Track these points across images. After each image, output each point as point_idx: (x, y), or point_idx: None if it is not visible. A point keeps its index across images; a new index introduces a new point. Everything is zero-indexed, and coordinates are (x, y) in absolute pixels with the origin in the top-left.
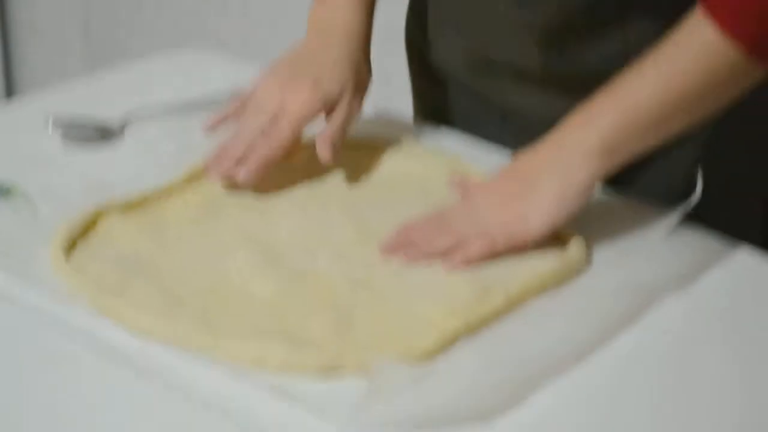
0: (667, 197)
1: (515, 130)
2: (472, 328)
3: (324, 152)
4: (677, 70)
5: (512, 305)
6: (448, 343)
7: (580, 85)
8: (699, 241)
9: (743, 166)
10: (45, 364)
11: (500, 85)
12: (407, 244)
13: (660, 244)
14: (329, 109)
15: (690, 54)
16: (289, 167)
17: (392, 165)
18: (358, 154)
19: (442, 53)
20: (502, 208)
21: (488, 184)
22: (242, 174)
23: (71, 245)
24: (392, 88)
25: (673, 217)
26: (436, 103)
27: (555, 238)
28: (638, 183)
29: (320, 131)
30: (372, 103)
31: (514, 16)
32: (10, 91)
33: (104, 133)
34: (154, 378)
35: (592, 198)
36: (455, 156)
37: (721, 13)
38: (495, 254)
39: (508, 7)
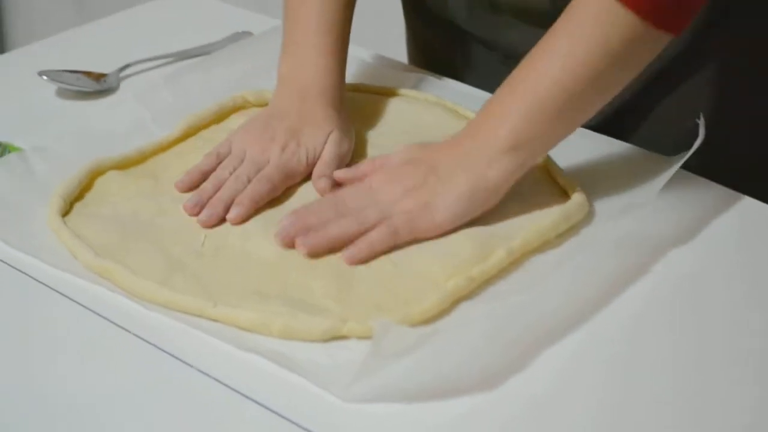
0: (666, 148)
1: None
2: (475, 286)
3: (321, 184)
4: (574, 45)
5: (515, 261)
6: (451, 303)
7: None
8: (702, 191)
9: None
10: (43, 327)
11: (503, 26)
12: (304, 231)
13: (662, 194)
14: (313, 161)
15: (587, 26)
16: None
17: (391, 112)
18: (355, 99)
19: None
20: (405, 195)
21: (390, 170)
22: (235, 215)
23: (68, 205)
24: (386, 33)
25: (674, 165)
26: (432, 47)
27: (556, 188)
28: (637, 134)
29: (315, 170)
30: (366, 48)
31: None
32: (1, 45)
33: (100, 86)
34: (154, 343)
35: (592, 147)
36: (455, 105)
37: None
38: (397, 243)
39: None
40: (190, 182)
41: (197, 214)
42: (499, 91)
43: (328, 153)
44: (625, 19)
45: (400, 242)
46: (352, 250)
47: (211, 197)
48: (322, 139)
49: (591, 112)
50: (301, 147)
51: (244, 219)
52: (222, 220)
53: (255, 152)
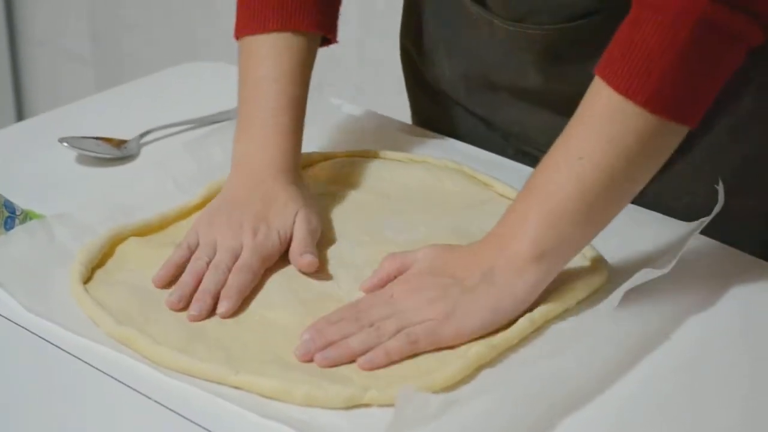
0: (672, 211)
1: (518, 150)
2: (497, 354)
3: (307, 260)
4: (585, 148)
5: (536, 329)
6: (473, 371)
7: (578, 103)
8: (720, 256)
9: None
10: (64, 394)
11: (500, 105)
12: (324, 345)
13: (681, 260)
14: (286, 241)
15: (592, 127)
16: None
17: (410, 179)
18: (374, 165)
19: (438, 71)
20: (428, 306)
21: (411, 279)
22: (225, 309)
23: (89, 272)
24: (390, 98)
25: (694, 230)
26: (434, 118)
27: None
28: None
29: (291, 251)
30: (373, 110)
31: (511, 37)
32: (20, 112)
33: (120, 152)
34: (175, 410)
35: None
36: (463, 167)
37: (615, 73)
38: (416, 352)
39: (505, 29)
40: (167, 276)
41: (183, 309)
42: (518, 198)
43: (301, 232)
44: (637, 116)
45: (419, 351)
46: (369, 356)
47: (192, 290)
48: (291, 219)
49: (616, 210)
50: (271, 230)
51: (233, 313)
52: (211, 313)
53: (227, 240)
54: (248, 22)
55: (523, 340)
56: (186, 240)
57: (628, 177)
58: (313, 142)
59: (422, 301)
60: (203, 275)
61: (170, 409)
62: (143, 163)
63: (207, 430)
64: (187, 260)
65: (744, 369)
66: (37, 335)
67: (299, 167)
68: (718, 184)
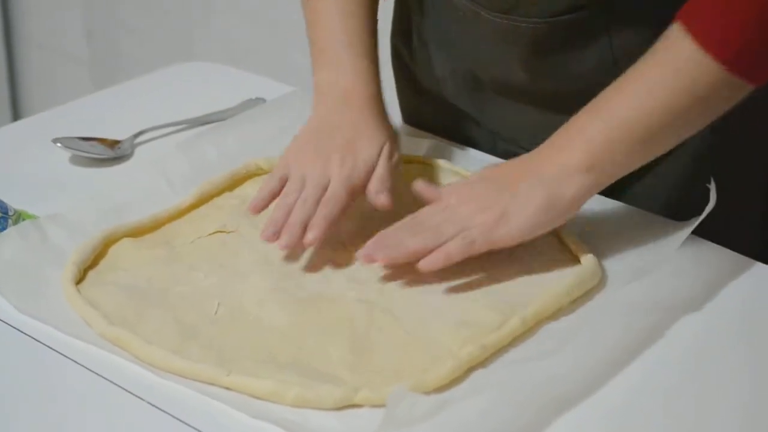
0: (666, 208)
1: (506, 146)
2: (489, 354)
3: (382, 199)
4: (658, 87)
5: (528, 329)
6: (464, 371)
7: (565, 100)
8: (713, 256)
9: (743, 177)
10: (56, 395)
11: (487, 103)
12: (383, 247)
13: (674, 259)
14: (371, 171)
15: (670, 70)
16: None
17: (405, 179)
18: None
19: (427, 70)
20: (482, 211)
21: (463, 188)
22: (312, 237)
23: (82, 273)
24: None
25: (686, 229)
26: (423, 118)
27: (566, 254)
28: (639, 194)
29: (369, 187)
30: None
31: (500, 29)
32: (16, 112)
33: (114, 152)
34: (167, 411)
35: (603, 210)
36: (455, 166)
37: (700, 25)
38: (473, 254)
39: (492, 21)
40: (263, 202)
41: (276, 240)
42: (579, 115)
43: (382, 168)
44: (713, 70)
45: (475, 253)
46: (428, 258)
47: (283, 224)
48: (377, 150)
49: (664, 149)
50: (358, 160)
51: (320, 241)
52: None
53: (315, 173)
54: None
55: (516, 341)
56: (277, 172)
57: (689, 121)
58: None
59: (476, 208)
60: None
61: (162, 410)
62: (137, 164)
63: (198, 430)
64: (280, 190)
65: (739, 369)
66: (29, 336)
67: (381, 96)
68: (710, 183)
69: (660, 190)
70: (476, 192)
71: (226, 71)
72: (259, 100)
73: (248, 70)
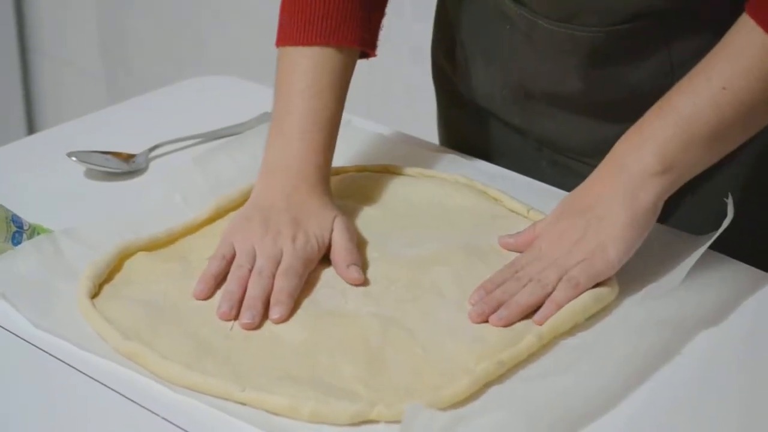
0: (696, 229)
1: (552, 159)
2: (505, 371)
3: (353, 274)
4: (730, 81)
5: (544, 345)
6: (480, 387)
7: (618, 110)
8: (730, 271)
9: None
10: (71, 409)
11: (536, 114)
12: (496, 306)
13: (691, 275)
14: (324, 247)
15: (741, 63)
16: None
17: (420, 194)
18: (384, 180)
19: (473, 83)
20: (575, 247)
21: (550, 227)
22: (279, 315)
23: (97, 288)
24: (417, 112)
25: (703, 244)
26: (466, 132)
27: None
28: (669, 215)
29: (336, 261)
30: (396, 126)
31: (555, 38)
32: (31, 125)
33: (129, 166)
34: (182, 426)
35: None
36: (474, 182)
37: (766, 15)
38: (580, 294)
39: (548, 31)
40: (207, 289)
41: (234, 318)
42: (647, 116)
43: (343, 240)
44: None
45: (582, 292)
46: (543, 313)
47: (240, 298)
48: (328, 226)
49: (736, 145)
50: (310, 236)
51: (287, 317)
52: (263, 320)
53: (266, 247)
54: (291, 33)
55: (532, 357)
56: (220, 251)
57: (761, 114)
58: None
59: (569, 245)
60: (247, 282)
61: (177, 425)
62: (152, 178)
63: None
64: (225, 271)
65: (755, 385)
66: (43, 350)
67: (329, 183)
68: (728, 198)
69: (682, 205)
70: (561, 229)
71: (239, 84)
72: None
73: (260, 82)
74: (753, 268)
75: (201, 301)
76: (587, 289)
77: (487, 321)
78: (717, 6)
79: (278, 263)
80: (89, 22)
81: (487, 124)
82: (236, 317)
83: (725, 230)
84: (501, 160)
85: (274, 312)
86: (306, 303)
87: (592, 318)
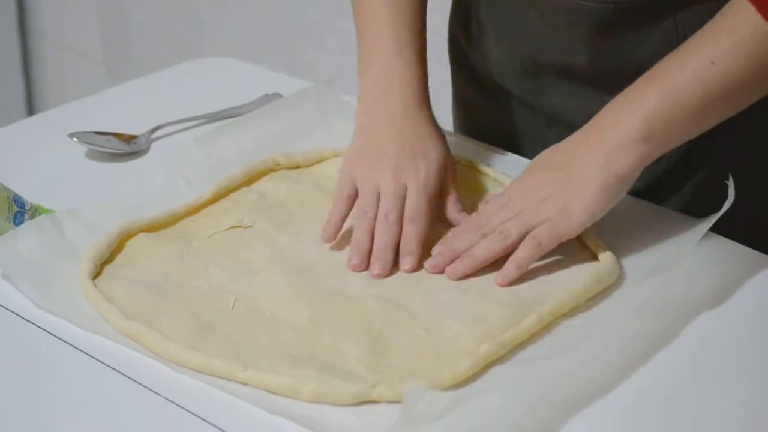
0: (694, 211)
1: (560, 135)
2: (506, 351)
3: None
4: (719, 57)
5: (545, 326)
6: (482, 368)
7: (626, 83)
8: (731, 253)
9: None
10: (73, 389)
11: (545, 86)
12: (452, 257)
13: (692, 256)
14: (442, 174)
15: (732, 41)
16: (318, 186)
17: None
18: None
19: (485, 55)
20: (542, 205)
21: (524, 179)
22: (410, 265)
23: (99, 268)
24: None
25: (704, 225)
26: (478, 108)
27: (585, 251)
28: (666, 198)
29: (449, 205)
30: None
31: (565, 10)
32: (31, 108)
33: (130, 147)
34: (184, 406)
35: (620, 206)
36: (476, 163)
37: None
38: (543, 254)
39: (557, 1)
40: (335, 232)
41: (366, 269)
42: (635, 84)
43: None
44: None
45: (545, 252)
46: (504, 273)
47: (369, 248)
48: (444, 148)
49: (720, 120)
50: (430, 162)
51: (419, 267)
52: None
53: (389, 183)
54: None
55: (533, 337)
56: (343, 191)
57: (746, 92)
58: (323, 137)
59: (536, 201)
60: (374, 229)
61: (178, 405)
62: (153, 159)
63: (215, 426)
64: (349, 211)
65: (755, 368)
66: (45, 330)
67: (429, 99)
68: (729, 180)
69: (685, 188)
70: (534, 182)
71: (240, 66)
72: (275, 96)
73: (265, 65)
74: (754, 251)
75: (203, 281)
76: (549, 249)
77: (443, 272)
78: None
79: (403, 201)
80: (90, 6)
81: (498, 99)
82: (367, 267)
83: (726, 212)
84: (512, 139)
85: (405, 263)
86: (307, 283)
87: (593, 299)
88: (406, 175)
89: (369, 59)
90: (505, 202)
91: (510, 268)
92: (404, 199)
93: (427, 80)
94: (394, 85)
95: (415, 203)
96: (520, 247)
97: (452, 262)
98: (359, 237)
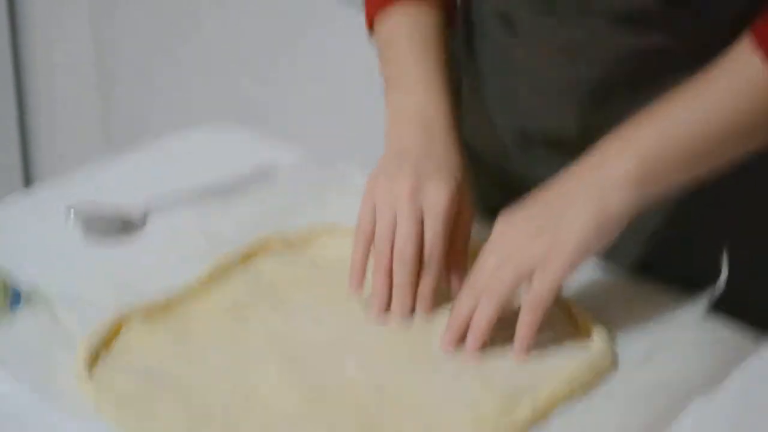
0: (690, 285)
1: None
2: None
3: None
4: (721, 102)
5: (539, 415)
6: None
7: None
8: (727, 336)
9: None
10: None
11: (533, 158)
12: (461, 326)
13: (687, 339)
14: (455, 197)
15: (735, 87)
16: (313, 264)
17: None
18: None
19: (472, 129)
20: (530, 240)
21: (510, 221)
22: (425, 308)
23: (95, 356)
24: None
25: (700, 306)
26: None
27: (576, 331)
28: (662, 270)
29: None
30: None
31: (557, 75)
32: (28, 176)
33: (126, 225)
34: None
35: (614, 285)
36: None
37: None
38: (547, 306)
39: (552, 66)
40: (359, 280)
41: (387, 309)
42: (633, 123)
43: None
44: None
45: (549, 304)
46: (518, 346)
47: (388, 292)
48: (464, 168)
49: (717, 166)
50: (450, 177)
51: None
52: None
53: (406, 205)
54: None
55: (526, 428)
56: (362, 222)
57: (746, 140)
58: (317, 213)
59: (525, 237)
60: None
61: None
62: (150, 236)
63: None
64: (368, 252)
65: None
66: (39, 418)
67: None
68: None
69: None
70: (521, 221)
71: (239, 134)
72: (272, 167)
73: (261, 131)
74: (747, 330)
75: (199, 369)
76: (551, 300)
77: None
78: (715, 48)
79: (420, 226)
80: (88, 66)
81: (487, 172)
82: (388, 307)
83: (727, 282)
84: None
85: (421, 306)
86: (303, 370)
87: (588, 387)
88: (423, 197)
89: (399, 77)
90: (496, 237)
91: (522, 339)
92: (422, 223)
93: (453, 107)
94: (421, 108)
95: (431, 239)
96: (523, 310)
97: (461, 333)
98: (378, 284)
